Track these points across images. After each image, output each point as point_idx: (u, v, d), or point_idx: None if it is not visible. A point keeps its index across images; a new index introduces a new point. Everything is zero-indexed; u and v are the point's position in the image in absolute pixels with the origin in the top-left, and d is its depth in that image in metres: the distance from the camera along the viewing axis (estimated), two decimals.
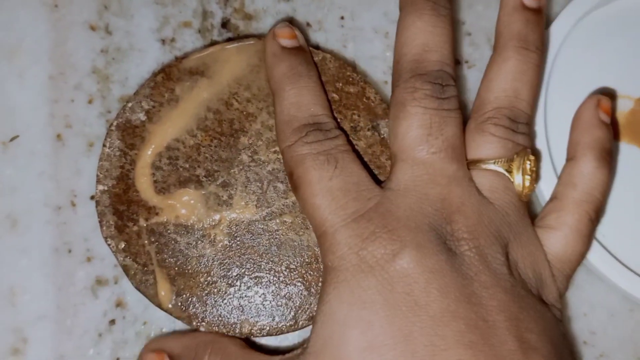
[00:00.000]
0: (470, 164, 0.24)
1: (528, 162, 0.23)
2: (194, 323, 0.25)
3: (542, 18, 0.26)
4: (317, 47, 0.28)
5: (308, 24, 0.29)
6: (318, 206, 0.22)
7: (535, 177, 0.24)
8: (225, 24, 0.29)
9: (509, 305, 0.21)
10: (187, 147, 0.25)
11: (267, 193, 0.25)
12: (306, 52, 0.26)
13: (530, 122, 0.25)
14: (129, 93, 0.28)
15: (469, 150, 0.24)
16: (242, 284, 0.25)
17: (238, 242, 0.25)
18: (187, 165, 0.25)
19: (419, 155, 0.23)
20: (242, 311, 0.25)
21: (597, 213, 0.25)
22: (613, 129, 0.26)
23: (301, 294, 0.25)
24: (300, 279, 0.25)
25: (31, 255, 0.27)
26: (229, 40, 0.27)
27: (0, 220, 0.27)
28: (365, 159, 0.26)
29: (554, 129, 0.27)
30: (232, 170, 0.26)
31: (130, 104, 0.26)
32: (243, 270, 0.25)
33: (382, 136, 0.26)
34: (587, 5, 0.28)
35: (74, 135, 0.28)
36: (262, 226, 0.25)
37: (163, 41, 0.29)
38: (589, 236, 0.25)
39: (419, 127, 0.23)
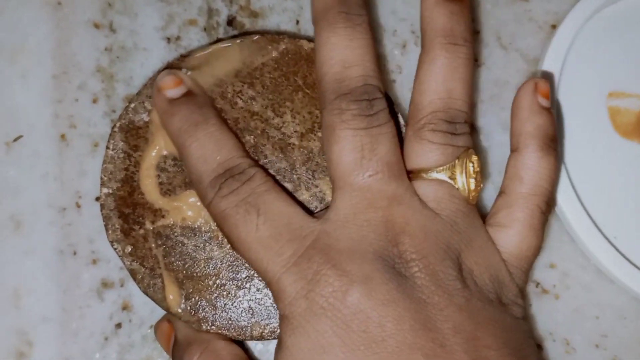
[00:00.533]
0: (412, 174, 0.23)
1: (471, 164, 0.23)
2: (204, 327, 0.24)
3: (466, 7, 0.25)
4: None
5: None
6: (254, 260, 0.22)
7: (480, 177, 0.23)
8: (231, 22, 0.29)
9: (465, 324, 0.21)
10: None
11: None
12: (196, 95, 0.24)
13: (468, 120, 0.24)
14: (133, 92, 0.28)
15: (409, 160, 0.23)
16: (252, 286, 0.25)
17: None
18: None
19: (355, 181, 0.22)
20: (252, 314, 0.24)
21: (547, 204, 0.24)
22: (626, 129, 0.25)
23: None
24: None
25: (35, 256, 0.27)
26: (233, 37, 0.26)
27: (4, 221, 0.27)
28: None
29: (566, 131, 0.27)
30: None
31: (132, 105, 0.25)
32: (252, 272, 0.25)
33: None
34: (594, 4, 0.27)
35: (78, 135, 0.27)
36: None
37: (168, 39, 0.28)
38: (542, 229, 0.24)
39: (350, 151, 0.22)
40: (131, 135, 0.25)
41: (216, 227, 0.25)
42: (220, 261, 0.25)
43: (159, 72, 0.25)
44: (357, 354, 0.20)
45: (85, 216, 0.27)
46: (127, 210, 0.25)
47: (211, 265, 0.25)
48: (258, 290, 0.25)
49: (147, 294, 0.24)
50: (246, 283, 0.25)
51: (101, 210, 0.25)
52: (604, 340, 0.27)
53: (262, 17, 0.29)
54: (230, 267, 0.25)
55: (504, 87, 0.29)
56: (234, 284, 0.25)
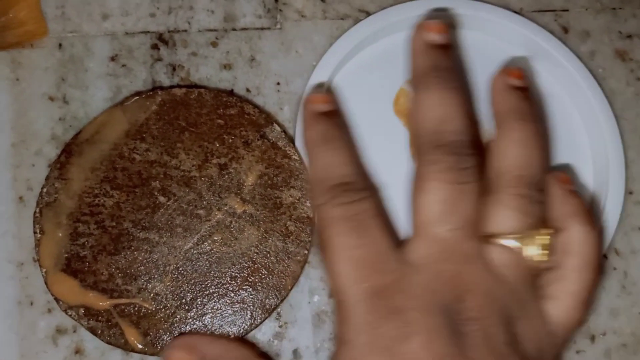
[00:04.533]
0: (487, 237, 0.24)
1: (544, 236, 0.24)
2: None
3: (529, 93, 0.28)
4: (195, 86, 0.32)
5: (248, 90, 0.32)
6: (339, 273, 0.23)
7: (549, 250, 0.24)
8: None
9: None
10: (108, 208, 0.28)
11: (192, 221, 0.28)
12: (339, 117, 0.28)
13: (543, 188, 0.25)
14: None
15: (485, 221, 0.24)
16: (198, 305, 0.28)
17: (182, 272, 0.28)
18: (114, 223, 0.28)
19: (436, 231, 0.23)
20: (206, 327, 0.28)
21: (595, 270, 0.25)
22: (400, 109, 0.29)
23: (250, 295, 0.28)
24: (246, 283, 0.28)
25: None
26: (117, 104, 0.30)
27: None
28: (264, 165, 0.29)
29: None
30: (155, 214, 0.28)
31: (45, 189, 0.29)
32: (195, 294, 0.28)
33: (271, 141, 0.29)
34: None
35: (34, 196, 0.30)
36: (198, 251, 0.28)
37: None
38: (588, 305, 0.25)
39: (436, 202, 0.23)
40: (51, 215, 0.28)
41: (152, 266, 0.28)
42: (164, 294, 0.28)
43: (59, 155, 0.29)
44: None
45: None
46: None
47: (157, 300, 0.28)
48: (204, 306, 0.28)
49: (110, 344, 0.27)
50: (192, 304, 0.28)
51: (46, 286, 0.28)
52: None
53: (201, 86, 0.32)
54: (174, 296, 0.28)
55: None
56: (182, 309, 0.28)
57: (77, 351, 0.29)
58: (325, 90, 0.28)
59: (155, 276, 0.28)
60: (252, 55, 0.33)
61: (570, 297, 0.24)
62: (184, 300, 0.28)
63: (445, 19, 0.30)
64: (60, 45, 0.32)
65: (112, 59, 0.32)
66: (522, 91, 0.27)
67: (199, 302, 0.28)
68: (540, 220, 0.25)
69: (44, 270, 0.28)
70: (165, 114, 0.30)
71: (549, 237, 0.24)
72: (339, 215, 0.24)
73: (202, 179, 0.29)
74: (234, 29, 0.33)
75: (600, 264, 0.26)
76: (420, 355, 0.22)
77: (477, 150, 0.25)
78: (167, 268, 0.28)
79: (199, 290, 0.28)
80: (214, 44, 0.33)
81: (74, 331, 0.29)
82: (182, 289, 0.28)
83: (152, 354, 0.27)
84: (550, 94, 0.33)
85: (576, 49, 0.34)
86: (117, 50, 0.32)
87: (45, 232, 0.28)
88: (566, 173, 0.28)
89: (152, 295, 0.28)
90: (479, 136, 0.25)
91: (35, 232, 0.28)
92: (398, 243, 0.25)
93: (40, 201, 0.28)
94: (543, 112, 0.33)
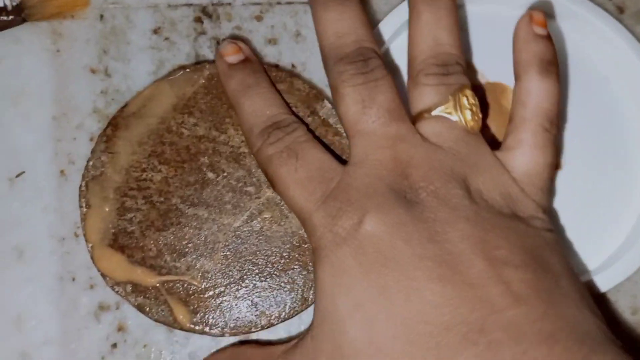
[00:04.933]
0: (415, 118, 0.26)
1: (465, 98, 0.25)
2: (216, 332, 0.27)
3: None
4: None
5: (293, 66, 0.32)
6: (292, 197, 0.25)
7: (477, 108, 0.25)
8: None
9: (473, 231, 0.23)
10: (156, 183, 0.28)
11: (241, 199, 0.28)
12: (252, 62, 0.28)
13: (460, 61, 0.26)
14: None
15: (411, 107, 0.26)
16: (248, 284, 0.27)
17: (231, 250, 0.28)
18: (162, 199, 0.28)
19: (361, 128, 0.25)
20: (256, 307, 0.27)
21: (550, 122, 0.26)
22: None
23: (301, 274, 0.27)
24: (296, 262, 0.28)
25: (37, 283, 0.29)
26: (164, 77, 0.29)
27: (7, 251, 0.29)
28: None
29: None
30: (204, 190, 0.28)
31: (91, 162, 0.28)
32: (244, 272, 0.27)
33: (322, 117, 0.29)
34: None
35: (76, 171, 0.30)
36: (247, 228, 0.28)
37: None
38: (550, 146, 0.26)
39: (353, 104, 0.25)
40: (98, 189, 0.28)
41: (201, 244, 0.27)
42: (214, 272, 0.27)
43: (105, 128, 0.29)
44: (372, 270, 0.22)
45: (82, 245, 0.29)
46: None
47: (207, 279, 0.27)
48: (254, 286, 0.27)
49: (159, 322, 0.27)
50: (242, 283, 0.27)
51: (93, 262, 0.27)
52: None
53: None
54: (224, 275, 0.27)
55: None
56: (232, 288, 0.27)
57: (120, 328, 0.29)
58: (231, 40, 0.29)
59: (205, 253, 0.27)
60: (297, 30, 0.32)
61: (526, 145, 0.25)
62: (232, 279, 0.27)
63: None
64: (101, 16, 0.31)
65: (155, 31, 0.31)
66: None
67: (248, 282, 0.27)
68: (460, 85, 0.26)
69: (90, 245, 0.27)
70: (213, 88, 0.29)
71: (470, 97, 0.25)
72: (275, 151, 0.25)
73: (252, 155, 0.28)
74: (279, 3, 0.32)
75: (555, 113, 0.26)
76: (376, 231, 0.23)
77: (377, 54, 0.26)
78: (216, 246, 0.27)
79: (248, 269, 0.27)
80: (259, 18, 0.32)
81: (117, 308, 0.29)
82: (231, 267, 0.27)
83: (201, 333, 0.27)
84: (606, 77, 0.32)
85: (632, 29, 0.33)
86: (160, 22, 0.31)
87: (91, 206, 0.27)
88: (542, 14, 0.27)
89: (201, 273, 0.27)
90: (375, 41, 0.27)
91: (81, 206, 0.27)
92: (340, 160, 0.26)
93: (87, 174, 0.28)
94: None
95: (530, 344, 0.20)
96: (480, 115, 0.26)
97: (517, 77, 0.27)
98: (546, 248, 0.24)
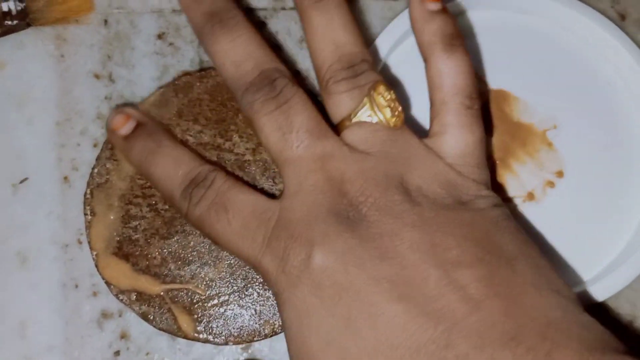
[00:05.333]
0: (338, 128, 0.25)
1: (380, 96, 0.24)
2: (220, 340, 0.27)
3: None
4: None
5: (297, 72, 0.32)
6: (236, 250, 0.24)
7: (396, 103, 0.24)
8: None
9: (420, 239, 0.22)
10: None
11: None
12: (145, 124, 0.27)
13: (365, 57, 0.25)
14: None
15: (330, 117, 0.25)
16: (252, 292, 0.27)
17: (236, 258, 0.27)
18: (167, 207, 0.28)
19: (286, 155, 0.24)
20: (259, 316, 0.27)
21: (470, 97, 0.25)
22: None
23: None
24: None
25: (40, 290, 0.29)
26: (169, 84, 0.29)
27: (10, 257, 0.29)
28: None
29: None
30: None
31: (96, 170, 0.28)
32: (248, 280, 0.27)
33: None
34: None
35: (80, 177, 0.30)
36: None
37: None
38: (474, 122, 0.25)
39: (272, 133, 0.24)
40: (103, 196, 0.28)
41: (206, 252, 0.27)
42: (218, 280, 0.27)
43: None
44: (334, 306, 0.21)
45: (86, 252, 0.29)
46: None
47: (212, 287, 0.27)
48: (258, 294, 0.27)
49: (162, 330, 0.27)
50: (246, 291, 0.27)
51: (97, 270, 0.27)
52: None
53: None
54: (228, 283, 0.27)
55: None
56: (236, 296, 0.27)
57: (123, 336, 0.29)
58: (117, 110, 0.28)
59: (209, 262, 0.27)
60: (302, 36, 0.32)
61: (451, 127, 0.25)
62: (236, 288, 0.27)
63: None
64: (105, 21, 0.31)
65: (159, 37, 0.31)
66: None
67: (252, 290, 0.27)
68: (376, 83, 0.25)
69: (95, 253, 0.27)
70: (218, 95, 0.29)
71: (384, 94, 0.24)
72: (202, 211, 0.24)
73: (257, 162, 0.28)
74: (283, 8, 0.32)
75: (472, 88, 0.25)
76: (327, 264, 0.22)
77: (282, 71, 0.25)
78: (221, 254, 0.27)
79: (252, 278, 0.27)
80: (263, 24, 0.32)
81: (120, 315, 0.29)
82: (235, 275, 0.27)
83: (204, 341, 0.27)
84: (608, 82, 0.32)
85: (633, 36, 0.33)
86: (164, 28, 0.31)
87: (96, 213, 0.27)
88: None
89: (205, 281, 0.27)
90: (276, 56, 0.26)
91: (85, 214, 0.27)
92: (270, 196, 0.25)
93: (91, 182, 0.28)
94: None
95: (494, 350, 0.20)
96: (400, 108, 0.25)
97: (425, 60, 0.26)
98: (496, 230, 0.23)
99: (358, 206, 0.23)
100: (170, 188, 0.25)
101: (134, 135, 0.27)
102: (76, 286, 0.29)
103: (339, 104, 0.25)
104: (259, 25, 0.32)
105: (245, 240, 0.23)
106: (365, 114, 0.24)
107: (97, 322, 0.29)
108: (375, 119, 0.24)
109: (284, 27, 0.32)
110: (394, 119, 0.24)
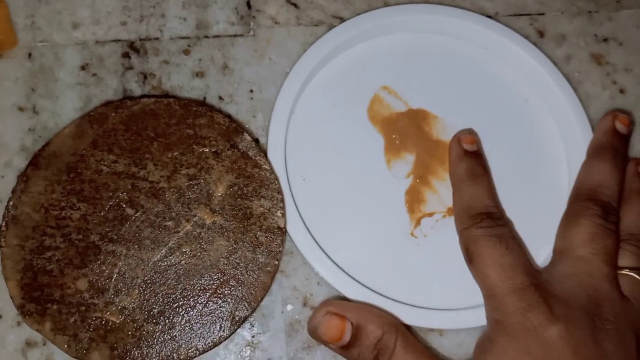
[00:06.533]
0: (618, 267, 0.29)
1: None
2: None
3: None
4: (204, 104, 0.31)
5: (221, 98, 0.32)
6: (488, 275, 0.28)
7: None
8: None
9: None
10: (75, 221, 0.28)
11: (160, 233, 0.28)
12: (482, 156, 0.32)
13: None
14: None
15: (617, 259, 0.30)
16: (166, 318, 0.28)
17: (149, 284, 0.28)
18: (81, 236, 0.28)
19: (581, 252, 0.29)
20: (174, 341, 0.27)
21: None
22: (375, 116, 0.30)
23: (220, 307, 0.28)
24: (215, 294, 0.28)
25: None
26: (84, 115, 0.30)
27: None
28: (234, 175, 0.29)
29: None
30: (122, 227, 0.28)
31: (11, 202, 0.28)
32: (162, 307, 0.28)
33: (241, 150, 0.29)
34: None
35: (2, 209, 0.30)
36: (166, 263, 0.28)
37: None
38: None
39: (585, 232, 0.29)
40: (18, 228, 0.28)
41: (120, 279, 0.28)
42: (132, 307, 0.27)
43: (25, 167, 0.29)
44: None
45: None
46: (36, 294, 0.27)
47: (125, 314, 0.27)
48: (172, 319, 0.28)
49: (77, 357, 0.27)
50: (160, 317, 0.28)
51: (13, 302, 0.27)
52: None
53: (172, 95, 0.32)
54: (142, 310, 0.28)
55: None
56: (149, 323, 0.27)
57: None
58: (471, 131, 0.32)
59: (123, 289, 0.28)
60: (224, 63, 0.33)
61: None
62: (151, 314, 0.28)
63: (629, 116, 0.33)
64: (30, 55, 0.32)
65: (83, 68, 0.32)
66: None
67: (167, 315, 0.28)
68: None
69: (10, 284, 0.27)
70: (133, 125, 0.29)
71: None
72: (484, 233, 0.29)
73: (171, 190, 0.29)
74: (206, 37, 0.33)
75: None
76: (561, 339, 0.26)
77: (617, 213, 0.30)
78: (135, 281, 0.28)
79: (167, 303, 0.28)
80: (186, 52, 0.33)
81: (44, 344, 0.29)
82: (149, 302, 0.28)
83: None
84: (525, 99, 0.33)
85: (552, 52, 0.34)
86: (88, 59, 0.32)
87: (10, 245, 0.28)
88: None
89: (119, 308, 0.27)
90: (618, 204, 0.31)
91: (1, 246, 0.28)
92: (534, 265, 0.30)
93: (7, 214, 0.28)
94: None
95: None
96: None
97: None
98: None
99: (605, 321, 0.27)
100: (470, 204, 0.30)
101: (471, 155, 0.31)
102: (0, 317, 0.29)
103: (627, 257, 0.30)
104: (183, 53, 0.33)
105: (503, 274, 0.28)
106: (636, 274, 0.29)
107: (21, 351, 0.29)
108: None
109: (207, 55, 0.33)
110: None
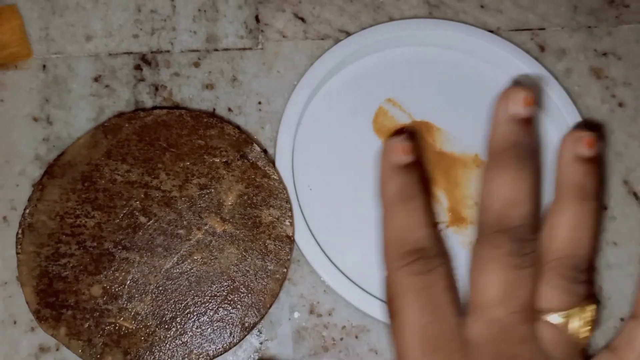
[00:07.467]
0: (536, 312, 0.25)
1: (588, 313, 0.25)
2: None
3: (597, 166, 0.27)
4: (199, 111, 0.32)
5: (230, 109, 0.33)
6: (406, 345, 0.24)
7: (594, 325, 0.25)
8: None
9: None
10: (89, 229, 0.29)
11: (172, 241, 0.29)
12: (416, 169, 0.27)
13: (591, 268, 0.26)
14: None
15: (535, 297, 0.25)
16: (178, 324, 0.28)
17: (162, 291, 0.29)
18: (95, 244, 0.29)
19: (495, 313, 0.24)
20: (186, 346, 0.28)
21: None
22: (380, 127, 0.29)
23: (230, 313, 0.29)
24: (225, 301, 0.29)
25: None
26: (99, 125, 0.31)
27: None
28: (243, 184, 0.30)
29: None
30: (136, 234, 0.29)
31: (27, 210, 0.29)
32: (174, 313, 0.28)
33: (251, 161, 0.30)
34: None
35: (18, 217, 0.31)
36: (178, 270, 0.29)
37: None
38: None
39: (497, 285, 0.24)
40: (34, 236, 0.29)
41: (133, 286, 0.28)
42: (145, 313, 0.28)
43: (41, 176, 0.29)
44: None
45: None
46: (51, 299, 0.28)
47: (138, 320, 0.28)
48: (184, 325, 0.28)
49: None
50: (172, 323, 0.28)
51: (28, 307, 0.28)
52: None
53: (183, 107, 0.33)
54: (155, 315, 0.28)
55: None
56: (162, 328, 0.28)
57: None
58: (406, 137, 0.27)
59: (136, 296, 0.28)
60: (234, 75, 0.33)
61: None
62: (163, 319, 0.28)
63: (530, 90, 0.28)
64: (44, 66, 0.33)
65: (96, 79, 0.33)
66: (590, 163, 0.26)
67: (179, 321, 0.28)
68: (585, 297, 0.25)
69: (26, 290, 0.28)
70: (146, 135, 0.30)
71: (591, 313, 0.25)
72: (412, 285, 0.24)
73: (183, 199, 0.29)
74: (216, 50, 0.34)
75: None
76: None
77: (536, 233, 0.25)
78: (148, 287, 0.28)
79: (178, 309, 0.28)
80: (196, 65, 0.34)
81: (57, 349, 0.30)
82: (162, 308, 0.28)
83: None
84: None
85: (552, 67, 0.35)
86: (101, 71, 0.33)
87: (26, 252, 0.28)
88: None
89: (132, 314, 0.28)
90: (539, 217, 0.26)
91: (17, 253, 0.28)
92: (460, 312, 0.26)
93: (23, 222, 0.29)
94: None
95: None
96: (593, 333, 0.26)
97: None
98: None
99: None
100: (398, 237, 0.25)
101: (401, 171, 0.26)
102: (14, 322, 0.30)
103: (548, 295, 0.25)
104: (193, 66, 0.33)
105: (420, 349, 0.24)
106: (563, 319, 0.25)
107: (34, 356, 0.30)
108: (571, 330, 0.25)
109: (217, 68, 0.34)
110: (584, 340, 0.25)
